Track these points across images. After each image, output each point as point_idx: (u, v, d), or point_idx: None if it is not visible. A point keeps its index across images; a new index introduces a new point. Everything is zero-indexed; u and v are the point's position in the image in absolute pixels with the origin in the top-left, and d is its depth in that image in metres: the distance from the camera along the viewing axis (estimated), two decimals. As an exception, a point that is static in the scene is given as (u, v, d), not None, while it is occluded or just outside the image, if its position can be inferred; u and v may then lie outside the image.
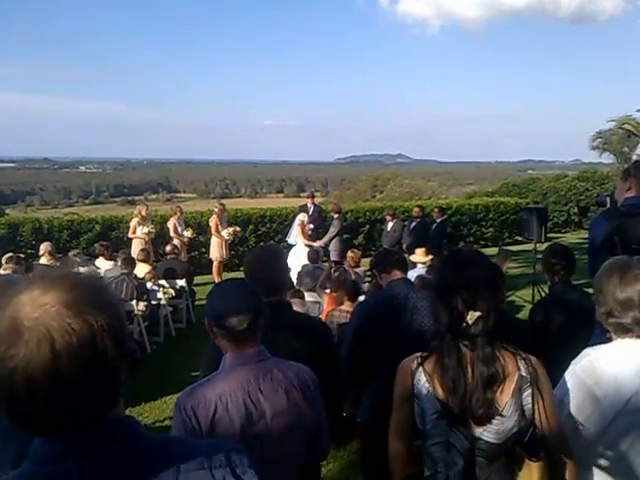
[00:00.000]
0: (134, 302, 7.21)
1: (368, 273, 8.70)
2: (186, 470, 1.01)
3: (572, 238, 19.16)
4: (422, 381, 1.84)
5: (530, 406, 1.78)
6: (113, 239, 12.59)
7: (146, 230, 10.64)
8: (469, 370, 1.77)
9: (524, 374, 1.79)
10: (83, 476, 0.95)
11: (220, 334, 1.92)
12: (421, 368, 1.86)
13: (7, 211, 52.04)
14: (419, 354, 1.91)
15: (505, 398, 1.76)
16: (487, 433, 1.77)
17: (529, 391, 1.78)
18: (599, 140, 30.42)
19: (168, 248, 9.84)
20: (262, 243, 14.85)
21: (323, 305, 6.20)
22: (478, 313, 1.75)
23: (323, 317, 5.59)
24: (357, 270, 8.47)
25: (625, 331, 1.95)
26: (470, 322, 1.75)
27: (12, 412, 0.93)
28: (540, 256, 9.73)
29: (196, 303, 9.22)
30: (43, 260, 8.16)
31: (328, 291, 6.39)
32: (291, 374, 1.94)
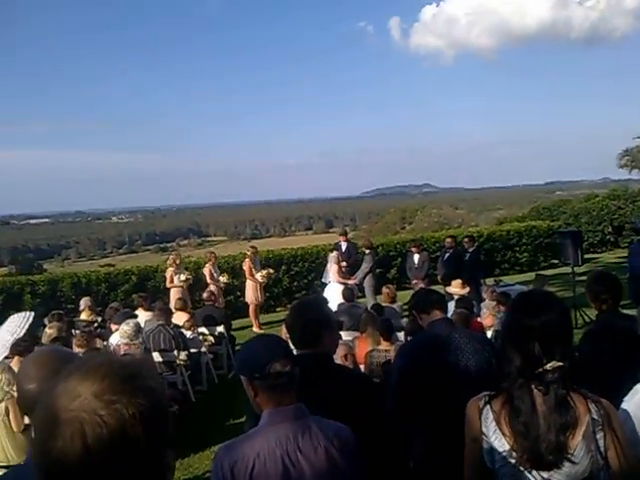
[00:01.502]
0: (175, 352, 7.27)
1: (405, 307, 8.67)
2: None
3: (609, 258, 18.80)
4: (490, 419, 1.84)
5: (604, 449, 1.75)
6: (150, 289, 12.76)
7: (183, 278, 10.79)
8: (541, 414, 1.76)
9: (596, 417, 1.77)
10: None
11: (261, 386, 1.92)
12: (488, 407, 1.86)
13: (45, 265, 53.31)
14: (486, 393, 1.91)
15: (576, 442, 1.74)
16: (557, 476, 1.75)
17: (602, 434, 1.75)
18: (627, 158, 29.97)
19: (205, 295, 9.93)
20: (296, 283, 14.92)
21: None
22: (560, 363, 1.75)
23: (361, 359, 5.57)
24: (393, 306, 8.44)
25: None
26: (549, 369, 1.75)
27: None
28: (578, 279, 9.63)
29: (236, 348, 9.25)
30: (83, 315, 8.34)
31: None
32: (330, 433, 1.91)
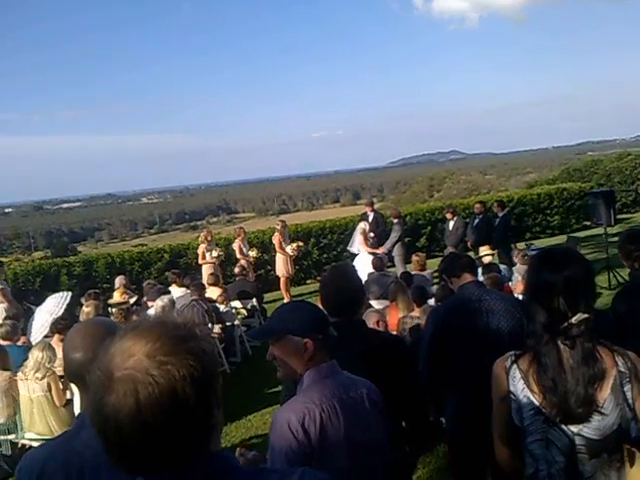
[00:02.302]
0: (209, 325, 7.40)
1: (435, 275, 8.63)
2: None
3: (643, 217, 18.41)
4: (517, 378, 1.85)
5: (632, 401, 1.75)
6: (182, 266, 12.91)
7: (215, 254, 10.92)
8: (568, 369, 1.77)
9: (622, 369, 1.76)
10: None
11: (318, 344, 1.97)
12: (515, 366, 1.87)
13: (79, 248, 54.40)
14: (513, 352, 1.92)
15: (604, 395, 1.75)
16: (587, 430, 1.75)
17: (629, 386, 1.75)
18: (661, 112, 29.04)
19: (237, 270, 10.04)
20: (325, 255, 14.96)
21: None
22: (585, 315, 1.75)
23: (393, 327, 5.59)
24: (423, 273, 8.42)
25: None
26: (575, 322, 1.75)
27: (110, 454, 1.01)
28: (611, 240, 9.45)
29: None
30: (116, 294, 8.49)
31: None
32: (363, 385, 2.01)
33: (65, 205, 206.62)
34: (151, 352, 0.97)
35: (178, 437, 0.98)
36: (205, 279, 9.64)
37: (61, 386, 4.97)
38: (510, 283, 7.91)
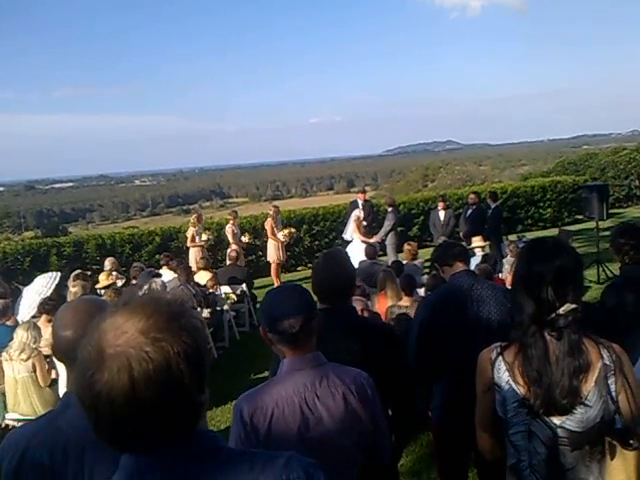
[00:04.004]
0: (198, 309, 7.37)
1: (427, 264, 8.64)
2: None
3: (635, 212, 18.49)
4: (502, 370, 1.85)
5: (615, 394, 1.75)
6: (173, 249, 12.86)
7: (205, 237, 10.89)
8: (554, 360, 1.76)
9: (607, 362, 1.76)
10: None
11: (275, 339, 1.94)
12: (501, 357, 1.86)
13: (69, 229, 54.16)
14: (498, 344, 1.91)
15: (588, 387, 1.75)
16: (570, 422, 1.76)
17: (613, 379, 1.75)
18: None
19: (232, 254, 9.94)
20: (317, 242, 14.95)
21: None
22: (573, 306, 1.74)
23: (382, 315, 5.59)
24: (415, 262, 8.42)
25: None
26: (562, 313, 1.74)
27: (99, 431, 1.00)
28: (603, 234, 9.49)
29: (257, 306, 9.37)
30: (102, 277, 8.25)
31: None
32: (348, 379, 1.93)
33: (57, 185, 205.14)
34: (145, 329, 0.97)
35: (171, 414, 0.98)
36: (193, 262, 9.60)
37: (46, 366, 4.93)
38: (500, 274, 7.93)
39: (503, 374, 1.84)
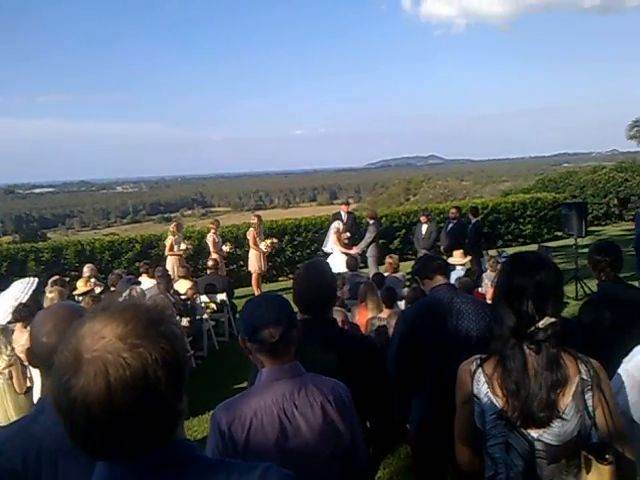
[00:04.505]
0: (177, 318, 7.31)
1: (408, 277, 8.66)
2: None
3: (613, 231, 18.74)
4: (481, 382, 1.86)
5: (592, 409, 1.77)
6: (153, 257, 12.77)
7: (183, 246, 10.79)
8: (532, 373, 1.78)
9: (585, 377, 1.78)
10: None
11: (254, 348, 1.93)
12: (480, 369, 1.88)
13: (49, 234, 53.56)
14: (478, 356, 1.93)
15: (566, 401, 1.76)
16: (547, 435, 1.77)
17: (590, 394, 1.77)
18: (636, 129, 29.57)
19: (210, 263, 9.88)
20: (299, 253, 14.94)
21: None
22: (553, 319, 1.76)
23: (362, 327, 5.59)
24: (396, 275, 8.45)
25: None
26: (541, 327, 1.76)
27: (74, 437, 0.98)
28: (581, 251, 9.61)
29: (237, 316, 9.31)
30: (80, 283, 8.11)
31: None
32: (326, 389, 1.92)
33: (37, 190, 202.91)
34: (123, 334, 0.96)
35: (147, 421, 0.97)
36: (171, 271, 9.53)
37: (31, 365, 4.81)
38: (480, 289, 7.97)
39: (482, 386, 1.86)
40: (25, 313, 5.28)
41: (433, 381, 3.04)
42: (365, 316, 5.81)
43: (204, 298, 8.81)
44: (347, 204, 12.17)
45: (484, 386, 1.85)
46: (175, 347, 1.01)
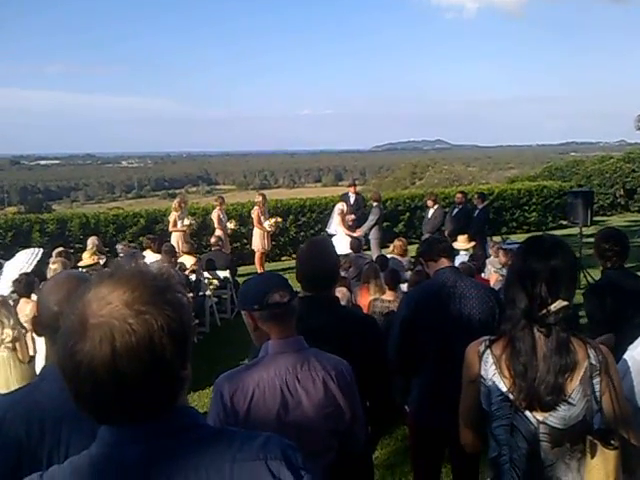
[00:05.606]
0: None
1: (412, 261, 8.64)
2: (242, 459, 1.05)
3: (618, 221, 18.67)
4: (489, 363, 1.86)
5: (599, 394, 1.77)
6: (157, 232, 12.75)
7: (187, 222, 10.75)
8: (541, 356, 1.78)
9: (594, 362, 1.78)
10: (144, 460, 1.01)
11: (263, 317, 1.94)
12: (489, 350, 1.88)
13: (54, 206, 53.69)
14: (487, 337, 1.93)
15: (573, 385, 1.76)
16: (552, 418, 1.77)
17: (598, 379, 1.77)
18: (645, 120, 29.32)
19: (212, 239, 9.87)
20: (302, 233, 14.93)
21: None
22: (565, 303, 1.76)
23: (364, 308, 5.59)
24: (400, 258, 8.42)
25: None
26: (553, 310, 1.76)
27: (79, 401, 0.99)
28: (586, 240, 9.57)
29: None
30: (85, 255, 8.15)
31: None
32: (329, 365, 1.95)
33: (43, 162, 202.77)
34: (129, 301, 0.97)
35: (151, 387, 0.98)
36: (176, 247, 9.53)
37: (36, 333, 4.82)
38: (483, 274, 7.96)
39: (490, 367, 1.86)
40: (24, 284, 5.27)
41: (434, 364, 3.04)
42: (367, 297, 5.81)
43: (206, 274, 8.84)
44: (354, 185, 12.11)
45: (492, 367, 1.85)
46: (181, 315, 1.01)
